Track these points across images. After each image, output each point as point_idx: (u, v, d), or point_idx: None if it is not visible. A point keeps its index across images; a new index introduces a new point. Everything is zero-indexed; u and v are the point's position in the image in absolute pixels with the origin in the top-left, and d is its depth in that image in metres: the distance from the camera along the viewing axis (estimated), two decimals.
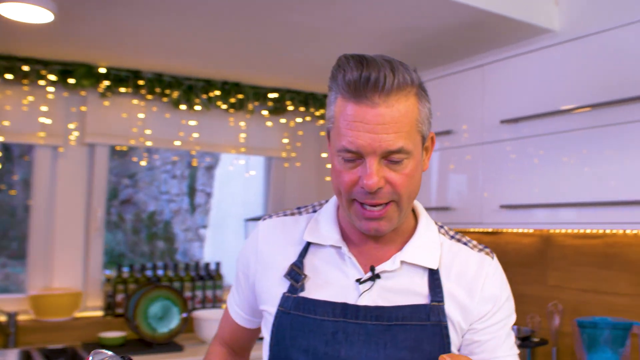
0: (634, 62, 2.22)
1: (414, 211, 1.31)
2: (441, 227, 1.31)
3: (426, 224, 1.28)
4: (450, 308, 1.19)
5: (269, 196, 4.27)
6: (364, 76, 1.06)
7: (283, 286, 1.25)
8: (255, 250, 1.33)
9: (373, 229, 1.15)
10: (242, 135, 3.97)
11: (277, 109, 4.06)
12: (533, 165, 2.52)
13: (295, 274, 1.24)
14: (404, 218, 1.21)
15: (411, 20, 2.74)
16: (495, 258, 1.28)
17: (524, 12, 2.71)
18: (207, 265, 3.81)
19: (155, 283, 3.48)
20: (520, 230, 2.92)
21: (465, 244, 1.28)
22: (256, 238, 1.34)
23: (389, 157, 1.09)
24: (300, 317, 1.20)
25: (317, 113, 4.21)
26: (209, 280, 3.77)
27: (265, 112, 4.03)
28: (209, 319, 3.33)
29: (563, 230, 2.74)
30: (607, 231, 2.61)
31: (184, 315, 3.37)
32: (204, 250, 5.93)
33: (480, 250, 1.28)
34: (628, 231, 2.53)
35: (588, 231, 2.68)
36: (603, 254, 2.66)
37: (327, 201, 1.35)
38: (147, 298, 3.30)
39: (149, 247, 5.87)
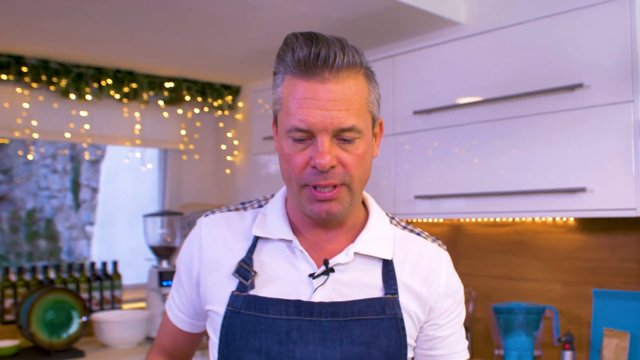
0: (532, 58, 2.30)
1: (364, 203, 1.28)
2: (392, 218, 1.30)
3: (378, 215, 1.25)
4: (405, 299, 1.18)
5: (165, 190, 4.09)
6: (314, 52, 1.05)
7: (231, 284, 1.19)
8: (198, 248, 1.25)
9: (324, 210, 1.10)
10: (137, 126, 3.77)
11: (174, 99, 3.89)
12: (445, 156, 2.56)
13: (244, 271, 1.17)
14: (355, 203, 1.18)
15: (320, 9, 2.69)
16: (446, 249, 1.29)
17: (431, 3, 2.75)
18: (104, 264, 3.59)
19: (49, 286, 3.23)
20: (431, 220, 2.97)
21: (418, 234, 1.28)
22: (199, 235, 1.26)
23: (341, 136, 1.07)
24: (252, 316, 1.14)
25: (215, 104, 4.09)
26: (106, 280, 3.56)
27: (161, 103, 3.85)
28: (109, 322, 3.14)
29: (473, 219, 2.82)
30: (517, 219, 2.70)
31: (84, 319, 3.16)
32: (92, 248, 5.61)
33: (434, 241, 1.28)
34: (537, 219, 2.63)
35: (498, 220, 2.77)
36: (512, 242, 2.75)
37: (272, 195, 1.30)
38: (42, 302, 3.06)
39: (30, 247, 5.48)
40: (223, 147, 4.21)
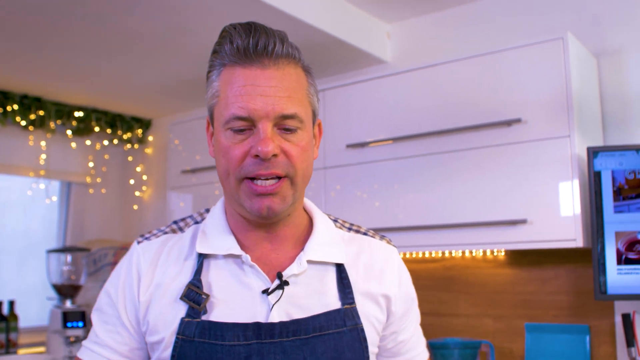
0: (470, 93, 2.37)
1: (305, 210, 1.20)
2: (335, 220, 1.23)
3: (322, 219, 1.19)
4: (363, 307, 1.12)
5: (67, 225, 3.81)
6: (253, 40, 1.03)
7: (179, 310, 1.07)
8: (137, 275, 1.12)
9: (265, 207, 1.04)
10: (42, 156, 3.51)
11: (82, 130, 3.67)
12: (378, 189, 2.55)
13: (195, 294, 1.06)
14: (298, 204, 1.12)
15: None
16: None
17: (360, 40, 2.79)
18: None
19: None
20: None
21: (364, 234, 1.22)
22: (136, 262, 1.13)
23: (283, 124, 1.03)
24: (207, 344, 1.03)
25: (125, 136, 3.90)
26: (0, 322, 3.23)
27: (69, 132, 3.62)
28: None
29: (403, 255, 2.81)
30: (446, 255, 2.72)
31: None
32: None
33: (381, 238, 1.23)
34: (467, 254, 2.66)
35: (427, 255, 2.77)
36: (442, 277, 2.76)
37: (207, 210, 1.20)
38: None
39: None
40: (131, 181, 4.00)
